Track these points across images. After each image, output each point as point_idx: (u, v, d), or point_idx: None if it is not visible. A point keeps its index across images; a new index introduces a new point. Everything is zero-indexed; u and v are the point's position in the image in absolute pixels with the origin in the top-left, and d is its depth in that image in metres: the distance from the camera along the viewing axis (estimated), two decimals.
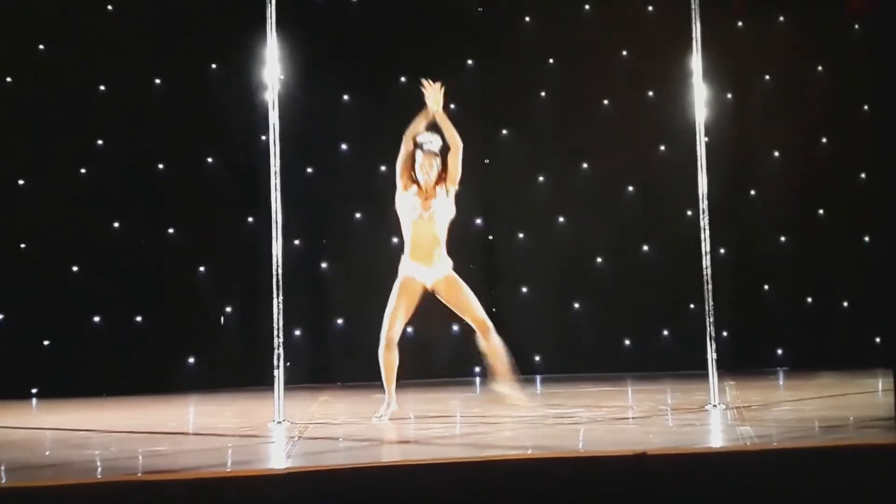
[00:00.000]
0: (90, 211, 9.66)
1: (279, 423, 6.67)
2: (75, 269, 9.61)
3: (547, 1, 10.52)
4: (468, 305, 6.97)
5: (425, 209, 6.89)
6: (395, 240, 10.18)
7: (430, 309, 9.92)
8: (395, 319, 6.87)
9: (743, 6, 10.39)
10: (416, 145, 6.96)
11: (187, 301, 9.74)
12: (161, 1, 9.92)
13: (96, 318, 9.61)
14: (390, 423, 6.75)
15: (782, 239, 10.55)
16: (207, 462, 5.47)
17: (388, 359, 6.88)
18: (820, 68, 10.65)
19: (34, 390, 9.42)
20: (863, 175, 10.56)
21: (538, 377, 9.96)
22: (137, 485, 4.82)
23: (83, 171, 9.73)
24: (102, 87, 9.82)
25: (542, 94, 10.47)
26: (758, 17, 10.62)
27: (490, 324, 6.99)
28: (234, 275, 9.84)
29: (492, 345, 6.96)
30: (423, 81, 6.91)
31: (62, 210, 9.58)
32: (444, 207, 6.94)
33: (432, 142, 6.96)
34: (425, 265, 6.90)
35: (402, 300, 6.89)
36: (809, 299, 10.49)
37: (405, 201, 6.94)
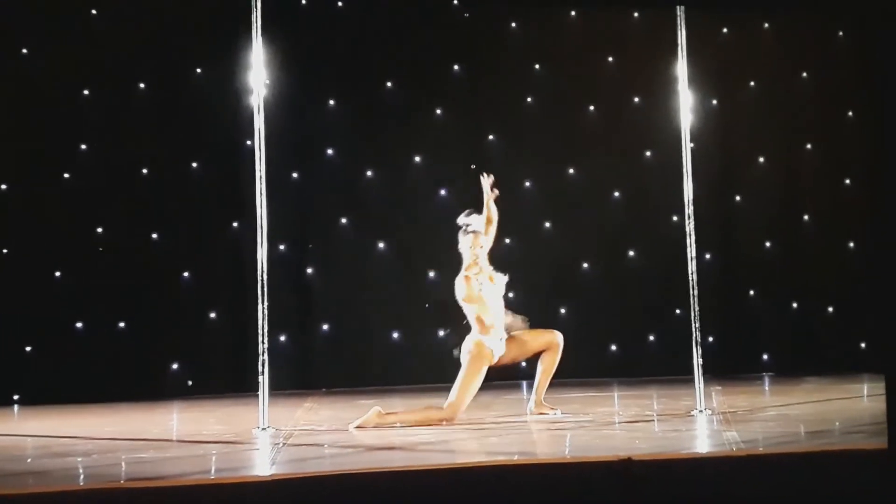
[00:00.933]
0: (74, 216, 9.60)
1: (264, 429, 6.64)
2: (58, 274, 9.55)
3: (533, 7, 10.52)
4: (525, 344, 7.10)
5: (491, 282, 6.96)
6: (380, 245, 10.21)
7: (414, 315, 9.97)
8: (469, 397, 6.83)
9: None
10: (464, 230, 7.04)
11: (171, 307, 9.68)
12: (145, 4, 9.87)
13: (79, 324, 9.55)
14: (375, 431, 6.71)
15: (767, 244, 10.57)
16: (191, 469, 5.44)
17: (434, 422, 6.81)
18: (805, 74, 10.68)
19: (16, 397, 9.35)
20: (847, 181, 10.60)
21: (524, 383, 9.93)
22: (121, 492, 4.80)
23: (66, 175, 9.67)
24: (86, 92, 9.76)
25: (529, 99, 10.47)
26: (743, 24, 10.65)
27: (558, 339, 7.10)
28: (219, 280, 9.79)
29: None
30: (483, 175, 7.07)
31: (45, 215, 9.52)
32: (500, 277, 7.06)
33: (471, 223, 7.07)
34: (497, 336, 6.95)
35: (479, 376, 6.85)
36: (795, 304, 10.50)
37: (474, 284, 6.92)
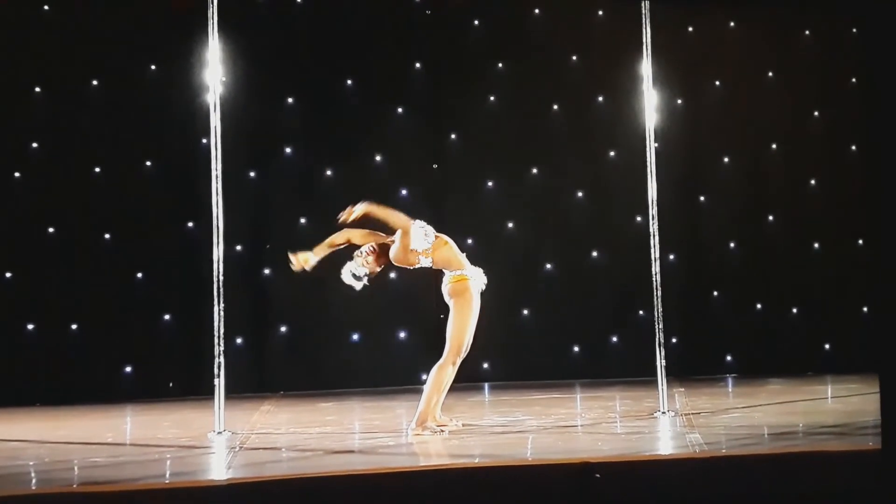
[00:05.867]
0: (25, 216, 9.43)
1: (220, 433, 6.55)
2: (8, 275, 9.37)
3: (495, 4, 10.47)
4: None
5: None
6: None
7: (373, 316, 9.86)
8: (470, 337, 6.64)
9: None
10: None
11: (125, 308, 9.53)
12: (99, 1, 9.71)
13: (30, 326, 9.37)
14: (334, 434, 6.64)
15: (732, 245, 10.58)
16: (146, 473, 5.38)
17: (449, 376, 6.57)
18: (770, 74, 10.70)
19: None
20: (812, 181, 10.63)
21: (486, 385, 9.88)
22: (74, 496, 4.74)
23: (17, 174, 9.50)
24: (38, 89, 9.59)
25: (491, 98, 10.41)
26: (708, 23, 10.65)
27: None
28: (173, 281, 9.65)
29: (435, 374, 6.68)
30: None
31: None
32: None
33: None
34: (473, 267, 6.64)
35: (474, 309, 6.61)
36: (759, 306, 10.51)
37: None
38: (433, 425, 6.45)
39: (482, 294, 6.63)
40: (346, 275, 6.70)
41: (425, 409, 6.46)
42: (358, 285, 6.70)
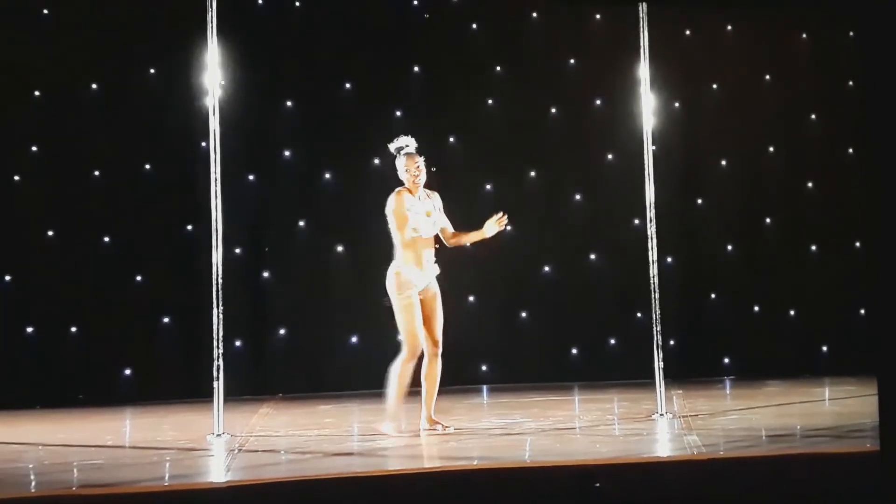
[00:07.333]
0: (25, 219, 9.42)
1: (219, 435, 6.55)
2: (8, 278, 9.37)
3: (494, 8, 10.47)
4: (439, 318, 6.71)
5: (427, 216, 6.69)
6: (339, 248, 10.10)
7: (372, 319, 9.85)
8: (419, 333, 6.62)
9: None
10: (397, 152, 6.82)
11: (124, 311, 9.52)
12: (98, 4, 9.71)
13: (30, 329, 9.37)
14: (333, 436, 6.64)
15: (729, 247, 10.58)
16: (145, 476, 5.38)
17: (407, 373, 6.64)
18: (767, 77, 10.71)
19: None
20: (809, 184, 10.64)
21: (485, 387, 9.88)
22: (73, 499, 4.74)
23: (17, 178, 9.49)
24: (37, 93, 9.59)
25: (490, 101, 10.41)
26: (705, 27, 10.66)
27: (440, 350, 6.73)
28: (172, 284, 9.64)
29: (436, 371, 6.72)
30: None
31: None
32: (439, 217, 6.79)
33: (409, 144, 6.85)
34: (422, 270, 6.67)
35: (418, 311, 6.64)
36: (756, 308, 10.51)
37: (417, 212, 6.70)
38: (390, 424, 6.56)
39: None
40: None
41: (388, 406, 6.57)
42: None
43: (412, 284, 6.61)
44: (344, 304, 9.89)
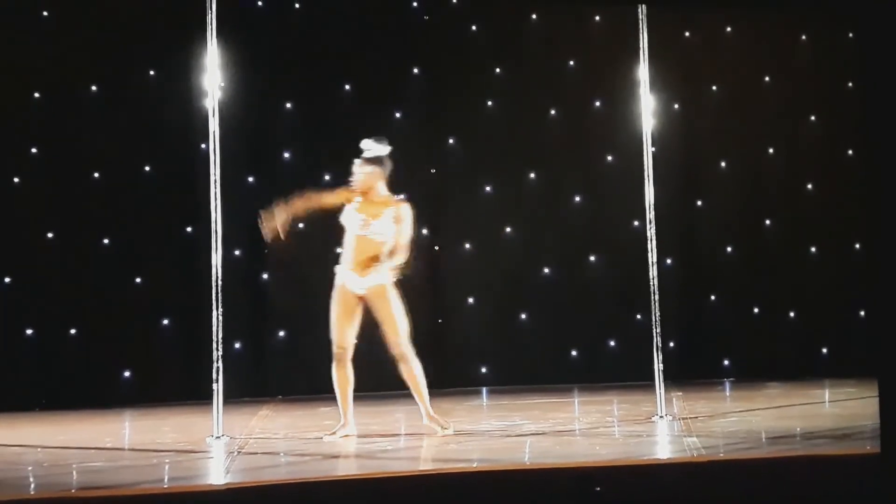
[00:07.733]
0: (24, 221, 9.41)
1: (218, 437, 6.54)
2: (8, 279, 9.36)
3: (494, 9, 10.47)
4: (390, 322, 6.65)
5: (365, 226, 6.70)
6: (338, 250, 10.07)
7: (372, 321, 9.84)
8: (340, 333, 6.68)
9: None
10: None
11: (124, 313, 9.51)
12: (98, 6, 9.70)
13: (29, 331, 9.35)
14: (334, 438, 6.63)
15: (729, 249, 10.57)
16: (144, 478, 5.37)
17: (339, 376, 6.70)
18: (767, 78, 10.71)
19: None
20: (809, 185, 10.64)
21: (484, 389, 9.88)
22: (73, 501, 4.74)
23: (16, 180, 9.48)
24: (37, 94, 9.58)
25: (489, 103, 10.41)
26: (705, 28, 10.66)
27: (406, 351, 6.68)
28: (172, 286, 9.63)
29: (408, 372, 6.71)
30: None
31: None
32: (387, 228, 6.70)
33: (370, 149, 6.81)
34: (358, 274, 6.70)
35: (339, 310, 6.69)
36: (756, 309, 10.51)
37: (348, 214, 6.79)
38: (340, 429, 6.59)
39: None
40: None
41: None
42: None
43: (344, 289, 6.68)
44: None
